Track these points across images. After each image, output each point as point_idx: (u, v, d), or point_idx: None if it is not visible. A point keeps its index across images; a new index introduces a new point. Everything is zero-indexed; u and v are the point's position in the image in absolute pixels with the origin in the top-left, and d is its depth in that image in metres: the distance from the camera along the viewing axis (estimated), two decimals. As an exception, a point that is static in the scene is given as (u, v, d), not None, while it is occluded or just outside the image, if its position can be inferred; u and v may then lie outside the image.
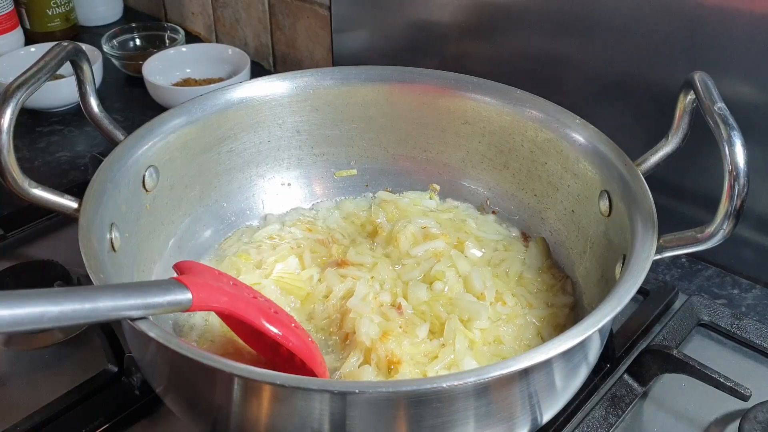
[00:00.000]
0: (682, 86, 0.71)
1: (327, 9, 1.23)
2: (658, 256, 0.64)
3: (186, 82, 1.30)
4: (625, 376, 0.74)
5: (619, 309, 0.57)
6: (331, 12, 1.22)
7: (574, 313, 0.79)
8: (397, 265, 0.82)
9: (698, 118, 0.68)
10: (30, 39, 1.47)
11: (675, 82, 0.73)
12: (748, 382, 0.69)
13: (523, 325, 0.76)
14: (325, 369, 0.68)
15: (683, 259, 0.94)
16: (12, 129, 0.64)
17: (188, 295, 0.57)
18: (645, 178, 0.71)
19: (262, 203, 0.93)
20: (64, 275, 0.85)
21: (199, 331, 0.76)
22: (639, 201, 0.69)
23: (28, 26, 1.48)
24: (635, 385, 0.74)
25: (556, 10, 0.93)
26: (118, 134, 0.78)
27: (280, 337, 0.63)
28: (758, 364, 0.79)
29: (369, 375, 0.68)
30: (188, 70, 1.33)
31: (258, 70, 1.40)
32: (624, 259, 0.67)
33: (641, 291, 0.82)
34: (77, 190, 0.70)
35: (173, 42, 1.43)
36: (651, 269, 0.61)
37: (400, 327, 0.73)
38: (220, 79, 1.28)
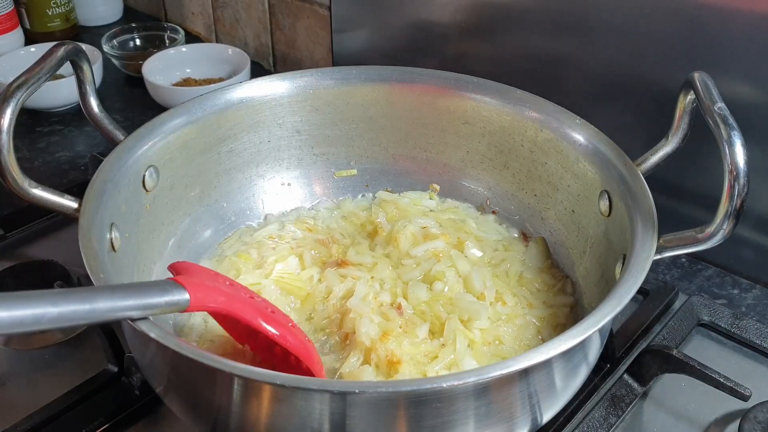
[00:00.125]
0: (682, 86, 0.71)
1: (327, 9, 1.23)
2: (658, 256, 0.64)
3: (186, 82, 1.30)
4: (625, 376, 0.74)
5: (619, 309, 0.57)
6: (331, 12, 1.22)
7: (574, 313, 0.79)
8: (397, 266, 0.82)
9: (698, 118, 0.68)
10: (30, 39, 1.47)
11: (675, 82, 0.73)
12: (748, 382, 0.69)
13: (523, 325, 0.76)
14: (322, 368, 0.68)
15: (683, 259, 0.94)
16: (12, 129, 0.64)
17: (185, 296, 0.57)
18: (645, 178, 0.71)
19: (262, 203, 0.93)
20: (64, 275, 0.85)
21: (198, 332, 0.76)
22: (639, 201, 0.69)
23: (28, 26, 1.48)
24: (635, 385, 0.74)
25: (556, 10, 0.93)
26: (118, 134, 0.78)
27: (277, 337, 0.63)
28: (758, 364, 0.79)
29: (369, 375, 0.68)
30: (188, 70, 1.33)
31: (258, 70, 1.40)
32: (624, 259, 0.67)
33: (641, 291, 0.82)
34: (77, 190, 0.70)
35: (173, 42, 1.43)
36: (651, 269, 0.61)
37: (400, 327, 0.73)
38: (220, 79, 1.29)
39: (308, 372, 0.65)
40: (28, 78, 0.67)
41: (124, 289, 0.56)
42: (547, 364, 0.57)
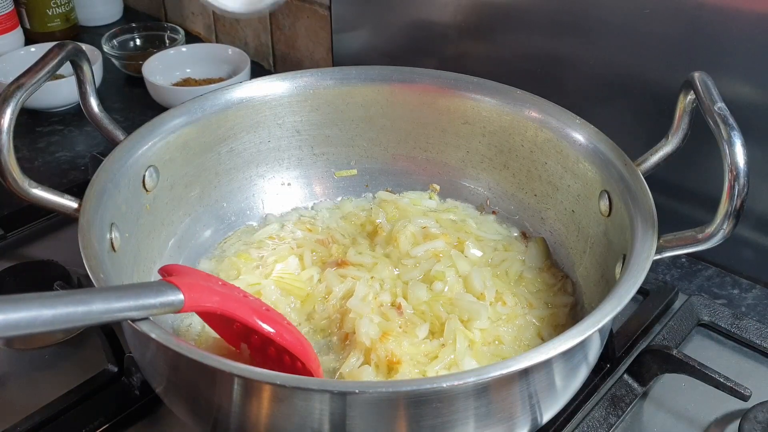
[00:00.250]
0: (682, 86, 0.71)
1: (327, 9, 1.23)
2: (658, 256, 0.64)
3: (186, 82, 1.30)
4: (625, 376, 0.74)
5: (619, 309, 0.57)
6: (331, 12, 1.22)
7: (574, 313, 0.78)
8: (397, 266, 0.82)
9: (698, 118, 0.68)
10: (30, 39, 1.47)
11: (675, 82, 0.73)
12: (748, 382, 0.69)
13: (523, 325, 0.76)
14: (319, 365, 0.68)
15: (683, 259, 0.94)
16: (12, 129, 0.64)
17: (180, 296, 0.57)
18: (645, 178, 0.71)
19: (262, 203, 0.93)
20: (64, 275, 0.85)
21: (197, 331, 0.76)
22: (639, 201, 0.69)
23: (28, 26, 1.48)
24: (635, 385, 0.74)
25: (556, 10, 0.93)
26: (118, 134, 0.78)
27: (273, 334, 0.63)
28: (758, 364, 0.79)
29: (369, 375, 0.68)
30: (188, 70, 1.33)
31: (258, 70, 1.40)
32: (624, 259, 0.67)
33: (641, 291, 0.82)
34: (77, 190, 0.70)
35: (173, 42, 1.43)
36: (651, 269, 0.61)
37: (400, 327, 0.73)
38: (220, 79, 1.28)
39: (304, 371, 0.65)
40: (28, 78, 0.67)
41: (119, 290, 0.56)
42: (547, 364, 0.57)
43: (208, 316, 0.69)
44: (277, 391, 0.54)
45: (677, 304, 0.85)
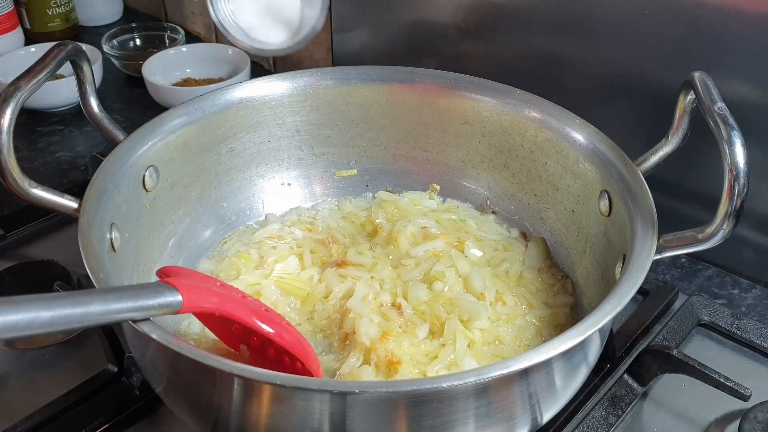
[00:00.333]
0: (682, 86, 0.71)
1: (327, 9, 1.23)
2: (658, 256, 0.64)
3: (186, 82, 1.30)
4: (625, 376, 0.74)
5: (619, 309, 0.57)
6: (331, 12, 1.22)
7: (573, 313, 0.79)
8: (396, 266, 0.82)
9: (698, 118, 0.68)
10: (30, 39, 1.47)
11: (675, 82, 0.73)
12: (748, 382, 0.69)
13: (523, 325, 0.76)
14: (319, 365, 0.68)
15: (683, 259, 0.94)
16: (12, 129, 0.64)
17: (178, 297, 0.57)
18: (645, 178, 0.71)
19: (262, 203, 0.93)
20: (64, 275, 0.85)
21: (197, 332, 0.76)
22: (639, 201, 0.69)
23: (28, 26, 1.48)
24: (635, 385, 0.74)
25: (556, 10, 0.93)
26: (118, 134, 0.78)
27: (272, 335, 0.63)
28: (758, 364, 0.79)
29: (369, 375, 0.68)
30: (188, 70, 1.33)
31: (258, 70, 1.40)
32: (624, 259, 0.67)
33: (641, 291, 0.82)
34: (77, 190, 0.70)
35: (173, 42, 1.43)
36: (651, 269, 0.61)
37: (400, 327, 0.73)
38: (220, 79, 1.28)
39: (304, 372, 0.65)
40: (28, 78, 0.67)
41: (117, 292, 0.56)
42: (547, 364, 0.57)
43: (206, 318, 0.68)
44: (277, 391, 0.54)
45: (677, 304, 0.85)
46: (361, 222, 0.91)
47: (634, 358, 0.76)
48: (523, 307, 0.78)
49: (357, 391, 0.52)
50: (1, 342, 0.80)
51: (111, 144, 0.77)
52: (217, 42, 1.50)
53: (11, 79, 0.67)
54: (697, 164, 0.87)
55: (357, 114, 0.92)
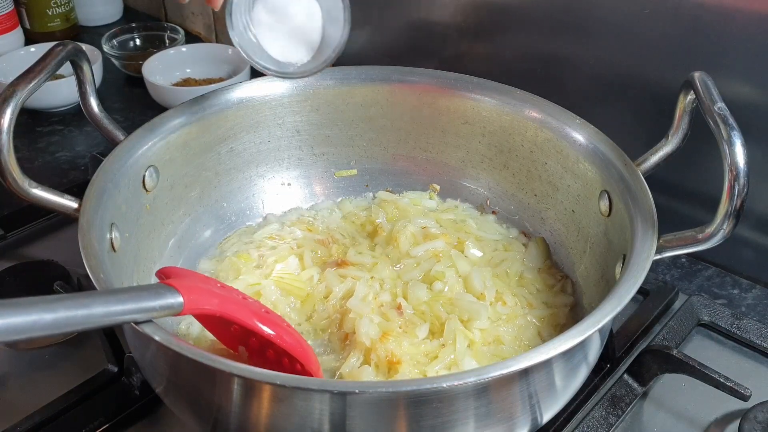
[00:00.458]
0: (682, 86, 0.71)
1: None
2: (658, 256, 0.64)
3: (186, 82, 1.30)
4: (625, 376, 0.74)
5: (619, 309, 0.57)
6: (331, 12, 1.22)
7: (573, 313, 0.79)
8: (397, 265, 0.82)
9: (698, 118, 0.68)
10: (30, 39, 1.47)
11: (675, 82, 0.73)
12: (748, 382, 0.69)
13: (523, 325, 0.76)
14: (319, 367, 0.67)
15: (683, 259, 0.94)
16: (12, 129, 0.64)
17: (179, 299, 0.57)
18: (645, 178, 0.71)
19: (262, 203, 0.93)
20: (64, 275, 0.85)
21: (197, 333, 0.76)
22: (639, 201, 0.69)
23: (28, 26, 1.48)
24: (635, 385, 0.74)
25: (556, 10, 0.93)
26: (118, 134, 0.78)
27: (273, 337, 0.63)
28: (758, 364, 0.79)
29: (369, 375, 0.68)
30: (188, 70, 1.32)
31: (258, 70, 1.40)
32: (624, 259, 0.67)
33: (641, 291, 0.82)
34: (77, 190, 0.70)
35: (173, 42, 1.43)
36: (651, 269, 0.61)
37: (400, 327, 0.73)
38: (220, 79, 1.28)
39: (303, 374, 0.65)
40: (28, 78, 0.67)
41: (118, 294, 0.56)
42: (547, 364, 0.57)
43: (205, 319, 0.68)
44: (277, 391, 0.54)
45: (677, 304, 0.85)
46: (361, 222, 0.91)
47: (634, 358, 0.76)
48: (523, 307, 0.78)
49: (357, 391, 0.52)
50: (1, 343, 0.80)
51: (111, 144, 0.77)
52: (217, 42, 1.50)
53: (11, 79, 0.67)
54: (697, 164, 0.87)
55: (357, 114, 0.92)
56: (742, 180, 0.59)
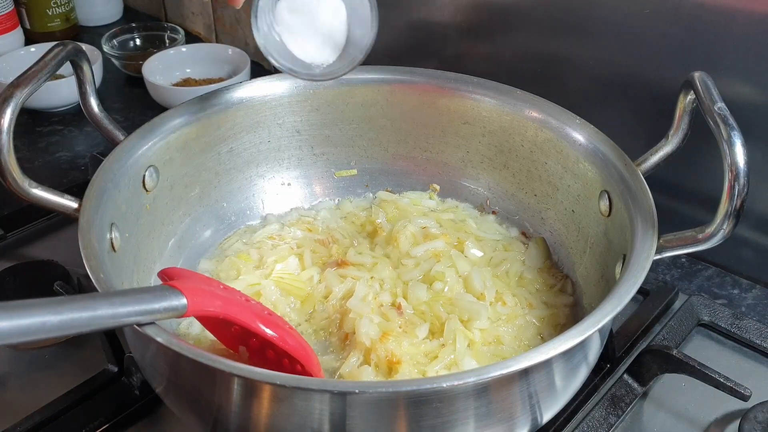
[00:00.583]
0: (682, 86, 0.71)
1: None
2: (658, 256, 0.64)
3: (186, 82, 1.30)
4: (625, 376, 0.74)
5: (619, 309, 0.57)
6: (331, 12, 1.22)
7: (573, 313, 0.79)
8: (397, 266, 0.82)
9: (698, 118, 0.68)
10: (30, 39, 1.47)
11: (675, 82, 0.73)
12: (748, 382, 0.69)
13: (523, 325, 0.76)
14: (321, 369, 0.68)
15: (683, 259, 0.94)
16: (12, 129, 0.64)
17: (183, 301, 0.57)
18: (645, 178, 0.71)
19: (262, 203, 0.93)
20: (64, 275, 0.85)
21: (197, 332, 0.76)
22: (639, 201, 0.69)
23: (28, 26, 1.48)
24: (635, 385, 0.74)
25: (556, 10, 0.93)
26: (118, 134, 0.78)
27: (276, 339, 0.63)
28: (758, 364, 0.79)
29: (369, 375, 0.68)
30: (188, 70, 1.33)
31: (258, 70, 1.40)
32: (624, 259, 0.67)
33: (641, 291, 0.82)
34: (77, 190, 0.70)
35: (173, 42, 1.43)
36: (651, 269, 0.61)
37: (400, 327, 0.73)
38: (220, 79, 1.28)
39: (304, 373, 0.65)
40: (28, 78, 0.67)
41: (123, 295, 0.56)
42: (547, 364, 0.57)
43: (206, 320, 0.68)
44: (277, 391, 0.54)
45: (677, 304, 0.85)
46: (361, 222, 0.91)
47: (634, 358, 0.76)
48: (523, 307, 0.78)
49: (357, 391, 0.52)
50: (6, 344, 0.80)
51: (111, 144, 0.77)
52: (217, 42, 1.50)
53: (11, 79, 0.67)
54: (697, 164, 0.87)
55: (357, 114, 0.92)
56: (742, 180, 0.59)
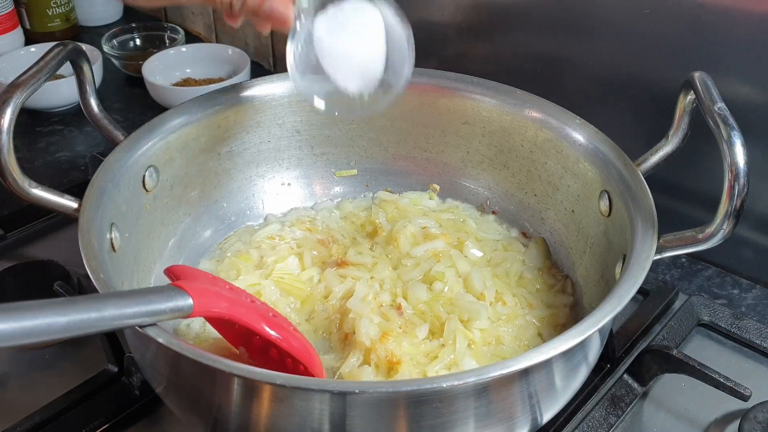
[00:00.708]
0: (682, 86, 0.71)
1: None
2: (658, 256, 0.64)
3: (186, 82, 1.30)
4: (625, 376, 0.74)
5: (619, 309, 0.57)
6: (331, 12, 1.22)
7: (573, 313, 0.79)
8: (396, 266, 0.82)
9: (698, 118, 0.68)
10: (30, 39, 1.47)
11: (675, 82, 0.73)
12: (748, 382, 0.69)
13: (523, 325, 0.76)
14: (323, 371, 0.68)
15: (683, 259, 0.94)
16: (12, 129, 0.64)
17: (189, 301, 0.57)
18: (645, 178, 0.71)
19: (262, 203, 0.93)
20: (64, 275, 0.85)
21: (197, 331, 0.76)
22: (639, 201, 0.69)
23: (28, 26, 1.48)
24: (635, 385, 0.74)
25: (556, 10, 0.93)
26: (118, 134, 0.78)
27: (280, 341, 0.63)
28: (758, 364, 0.79)
29: (369, 375, 0.68)
30: (188, 70, 1.32)
31: (258, 70, 1.40)
32: (624, 259, 0.67)
33: (641, 291, 0.82)
34: (77, 190, 0.70)
35: (173, 42, 1.43)
36: (651, 269, 0.61)
37: (400, 327, 0.73)
38: (220, 79, 1.28)
39: (307, 374, 0.65)
40: (28, 78, 0.67)
41: (130, 296, 0.56)
42: (547, 364, 0.57)
43: (211, 318, 0.68)
44: (277, 391, 0.54)
45: (677, 304, 0.85)
46: (361, 222, 0.91)
47: (634, 358, 0.76)
48: (523, 307, 0.78)
49: (357, 391, 0.52)
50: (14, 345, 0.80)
51: (111, 144, 0.77)
52: (217, 42, 1.50)
53: (11, 79, 0.67)
54: (697, 164, 0.87)
55: (357, 114, 0.92)
56: (742, 180, 0.59)
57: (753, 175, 0.60)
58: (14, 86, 0.65)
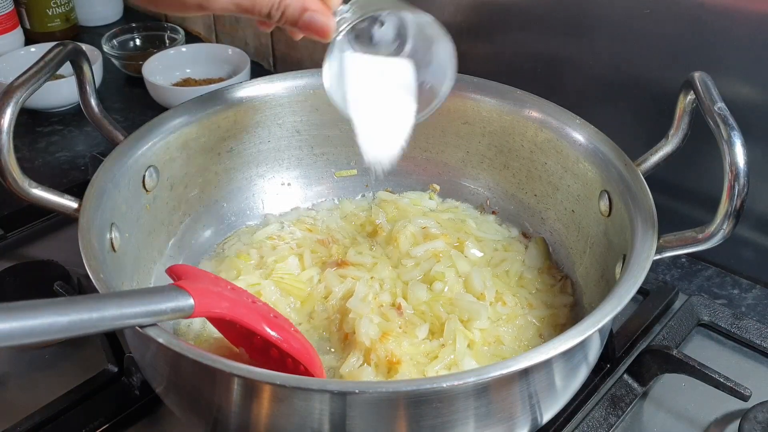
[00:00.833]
0: (682, 86, 0.71)
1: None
2: (658, 256, 0.64)
3: (186, 82, 1.30)
4: (625, 376, 0.74)
5: (619, 309, 0.57)
6: (331, 12, 1.22)
7: (573, 313, 0.79)
8: (396, 266, 0.82)
9: (698, 118, 0.68)
10: (30, 39, 1.47)
11: (675, 82, 0.73)
12: (748, 382, 0.69)
13: (523, 325, 0.76)
14: (323, 372, 0.68)
15: (683, 259, 0.94)
16: (12, 129, 0.64)
17: (190, 302, 0.57)
18: (645, 178, 0.71)
19: (262, 203, 0.93)
20: (64, 275, 0.85)
21: (197, 331, 0.76)
22: (639, 201, 0.69)
23: (28, 26, 1.48)
24: (635, 385, 0.74)
25: (556, 10, 0.93)
26: (118, 134, 0.78)
27: (281, 341, 0.63)
28: (758, 364, 0.79)
29: (369, 375, 0.68)
30: (188, 70, 1.33)
31: (258, 70, 1.40)
32: (624, 259, 0.67)
33: (641, 291, 0.82)
34: (77, 190, 0.70)
35: (173, 42, 1.43)
36: (651, 269, 0.61)
37: (400, 327, 0.73)
38: (220, 79, 1.28)
39: (307, 374, 0.65)
40: (28, 78, 0.67)
41: (130, 296, 0.56)
42: (547, 364, 0.57)
43: (212, 318, 0.68)
44: (277, 391, 0.54)
45: (677, 304, 0.85)
46: (361, 222, 0.91)
47: (634, 358, 0.76)
48: (523, 307, 0.78)
49: (357, 391, 0.52)
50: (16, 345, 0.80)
51: (111, 144, 0.77)
52: (217, 42, 1.50)
53: (11, 79, 0.67)
54: (697, 164, 0.87)
55: (357, 114, 0.92)
56: (742, 180, 0.59)
57: (753, 175, 0.60)
58: (14, 86, 0.65)
